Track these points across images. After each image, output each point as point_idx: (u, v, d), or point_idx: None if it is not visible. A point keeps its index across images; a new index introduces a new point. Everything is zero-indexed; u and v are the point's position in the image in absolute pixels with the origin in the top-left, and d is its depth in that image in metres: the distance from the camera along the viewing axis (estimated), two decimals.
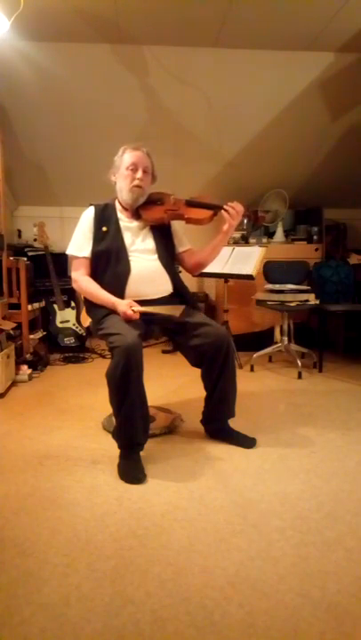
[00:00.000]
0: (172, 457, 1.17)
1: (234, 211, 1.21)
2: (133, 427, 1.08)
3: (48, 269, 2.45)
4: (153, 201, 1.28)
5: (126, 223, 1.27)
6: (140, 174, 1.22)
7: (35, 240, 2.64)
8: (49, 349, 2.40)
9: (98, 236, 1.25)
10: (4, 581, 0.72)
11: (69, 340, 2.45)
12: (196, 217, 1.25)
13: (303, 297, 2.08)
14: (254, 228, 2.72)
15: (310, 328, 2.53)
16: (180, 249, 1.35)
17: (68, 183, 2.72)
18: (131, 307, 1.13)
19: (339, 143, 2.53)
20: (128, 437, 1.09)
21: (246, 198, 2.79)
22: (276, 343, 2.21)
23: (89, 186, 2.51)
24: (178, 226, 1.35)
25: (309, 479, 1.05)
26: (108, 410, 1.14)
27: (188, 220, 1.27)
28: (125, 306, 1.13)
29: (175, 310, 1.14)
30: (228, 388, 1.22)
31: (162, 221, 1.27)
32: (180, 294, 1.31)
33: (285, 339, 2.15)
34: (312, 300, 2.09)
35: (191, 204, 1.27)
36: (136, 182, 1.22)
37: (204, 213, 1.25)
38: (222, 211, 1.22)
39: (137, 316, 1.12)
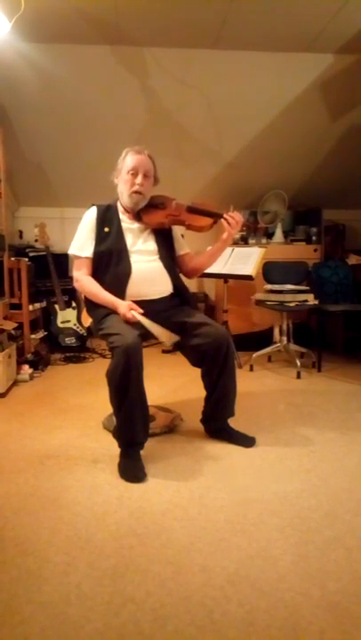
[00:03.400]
0: (172, 456, 1.17)
1: (233, 220, 1.22)
2: (133, 426, 1.08)
3: (49, 270, 2.46)
4: (155, 204, 1.28)
5: (128, 224, 1.27)
6: (140, 179, 1.22)
7: (36, 241, 2.64)
8: (50, 349, 2.40)
9: (100, 237, 1.25)
10: (5, 580, 0.72)
11: (70, 340, 2.45)
12: (196, 224, 1.26)
13: (302, 297, 2.09)
14: (254, 236, 2.74)
15: (310, 328, 2.53)
16: (179, 252, 1.35)
17: (69, 184, 2.73)
18: (131, 309, 1.12)
19: (338, 144, 2.54)
20: (128, 436, 1.10)
21: (246, 199, 2.81)
22: (276, 343, 2.21)
23: (90, 187, 2.52)
24: (178, 230, 1.35)
25: (309, 478, 1.05)
26: (109, 409, 1.14)
27: (189, 227, 1.28)
28: (125, 308, 1.13)
29: (170, 337, 1.11)
30: (227, 388, 1.23)
31: (162, 226, 1.28)
32: (180, 295, 1.31)
33: (285, 339, 2.16)
34: (311, 300, 2.09)
35: (192, 210, 1.28)
36: (135, 188, 1.22)
37: (205, 221, 1.26)
38: (222, 220, 1.23)
39: (136, 319, 1.12)
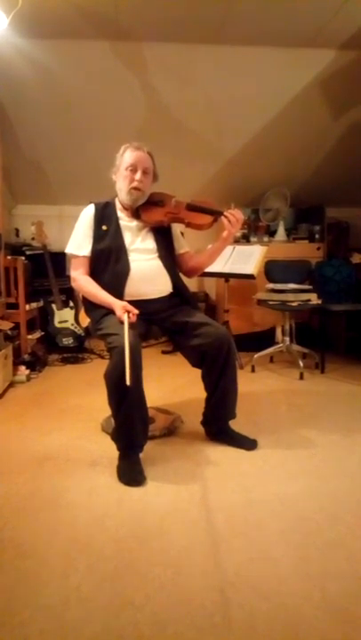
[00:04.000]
0: (171, 458, 1.16)
1: (234, 218, 1.20)
2: (132, 428, 1.07)
3: (46, 269, 2.44)
4: (154, 202, 1.27)
5: (126, 222, 1.26)
6: (138, 176, 1.21)
7: (33, 239, 2.63)
8: (47, 350, 2.38)
9: (98, 235, 1.24)
10: (4, 582, 0.72)
11: (68, 341, 2.44)
12: (196, 222, 1.24)
13: (305, 296, 2.07)
14: (255, 234, 2.72)
15: (312, 328, 2.51)
16: (178, 251, 1.34)
17: (67, 182, 2.71)
18: (125, 311, 1.10)
19: (340, 141, 2.52)
20: (127, 439, 1.09)
21: (247, 197, 2.79)
22: (278, 343, 2.20)
23: (88, 184, 2.50)
24: (177, 228, 1.34)
25: (310, 480, 1.05)
26: (107, 411, 1.14)
27: (188, 225, 1.26)
28: (121, 309, 1.11)
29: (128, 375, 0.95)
30: (228, 389, 1.22)
31: (161, 224, 1.26)
32: (180, 294, 1.30)
33: (287, 339, 2.14)
34: (314, 299, 2.08)
35: (192, 208, 1.26)
36: (134, 184, 1.21)
37: (205, 219, 1.24)
38: (222, 217, 1.22)
39: (132, 320, 1.10)
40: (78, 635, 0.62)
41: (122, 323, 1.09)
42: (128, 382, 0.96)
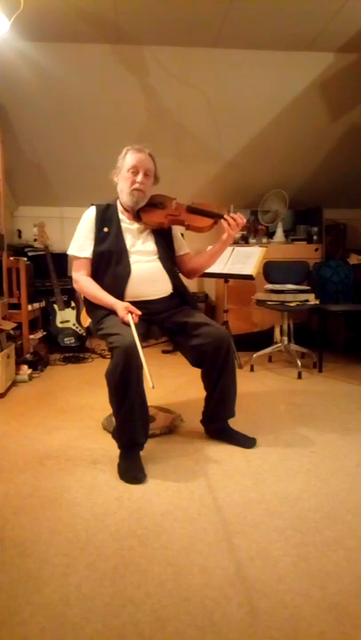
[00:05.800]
0: (172, 457, 1.17)
1: (234, 222, 1.21)
2: (133, 427, 1.08)
3: (48, 269, 2.46)
4: (154, 204, 1.27)
5: (127, 225, 1.27)
6: (140, 177, 1.22)
7: (35, 240, 2.64)
8: (49, 349, 2.40)
9: (99, 237, 1.25)
10: (4, 581, 0.72)
11: (69, 340, 2.45)
12: (196, 224, 1.25)
13: (303, 297, 2.09)
14: (254, 235, 2.74)
15: (310, 328, 2.53)
16: (178, 252, 1.35)
17: (68, 183, 2.72)
18: (128, 312, 1.12)
19: (338, 143, 2.54)
20: (128, 437, 1.10)
21: (246, 198, 2.81)
22: (276, 343, 2.21)
23: (89, 186, 2.52)
24: (178, 230, 1.35)
25: (309, 479, 1.05)
26: (108, 410, 1.14)
27: (188, 227, 1.27)
28: (123, 310, 1.13)
29: (149, 376, 0.95)
30: (228, 388, 1.22)
31: (162, 226, 1.27)
32: (180, 295, 1.31)
33: (285, 339, 2.15)
34: (312, 300, 2.09)
35: (192, 210, 1.27)
36: (136, 186, 1.22)
37: (205, 222, 1.25)
38: (222, 220, 1.22)
39: (135, 320, 1.11)
40: (79, 633, 0.62)
41: (126, 324, 1.10)
42: (151, 385, 0.95)
